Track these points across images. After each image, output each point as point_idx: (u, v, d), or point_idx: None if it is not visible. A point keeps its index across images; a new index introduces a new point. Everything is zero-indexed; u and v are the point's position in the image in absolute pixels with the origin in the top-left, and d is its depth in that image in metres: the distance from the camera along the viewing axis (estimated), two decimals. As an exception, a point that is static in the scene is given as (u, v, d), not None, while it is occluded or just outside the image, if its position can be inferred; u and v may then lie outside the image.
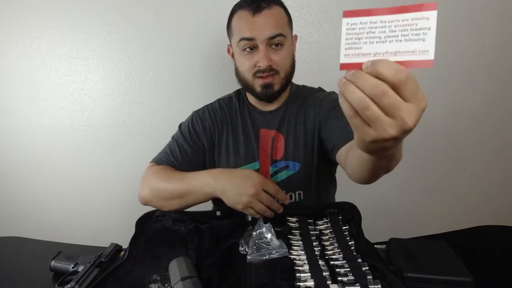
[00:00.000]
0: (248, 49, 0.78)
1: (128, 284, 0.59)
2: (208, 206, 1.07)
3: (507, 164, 1.35)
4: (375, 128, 0.34)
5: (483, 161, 1.34)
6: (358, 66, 0.35)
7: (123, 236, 0.76)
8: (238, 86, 0.96)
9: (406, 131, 0.34)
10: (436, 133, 1.30)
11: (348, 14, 0.37)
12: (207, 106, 0.94)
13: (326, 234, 0.67)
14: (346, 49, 0.37)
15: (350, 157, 0.63)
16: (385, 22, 0.35)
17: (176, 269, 0.58)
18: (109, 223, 1.45)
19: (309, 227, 0.69)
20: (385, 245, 0.73)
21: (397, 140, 0.35)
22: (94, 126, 1.32)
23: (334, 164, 0.88)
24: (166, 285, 0.57)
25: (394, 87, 0.33)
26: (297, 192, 0.87)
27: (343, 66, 0.37)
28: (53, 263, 0.71)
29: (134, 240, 0.69)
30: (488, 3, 1.15)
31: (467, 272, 0.60)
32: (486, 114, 1.28)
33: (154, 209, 0.78)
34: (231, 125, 0.90)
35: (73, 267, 0.69)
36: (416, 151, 1.33)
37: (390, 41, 0.35)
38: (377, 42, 0.36)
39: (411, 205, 1.40)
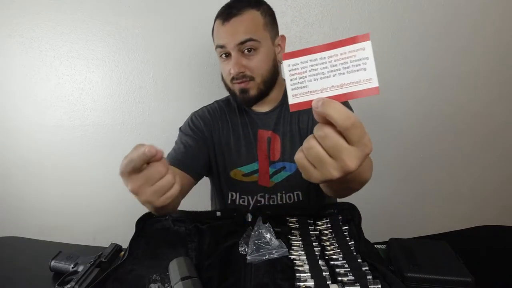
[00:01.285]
0: (224, 56, 0.80)
1: (128, 284, 0.59)
2: (208, 206, 1.07)
3: (507, 164, 1.35)
4: (319, 169, 0.36)
5: (483, 161, 1.34)
6: (308, 105, 0.37)
7: (123, 236, 0.76)
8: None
9: (348, 173, 0.36)
10: (436, 133, 1.30)
11: (288, 56, 0.38)
12: (205, 106, 0.95)
13: (326, 235, 0.67)
14: (292, 89, 0.38)
15: None
16: (324, 58, 0.37)
17: (176, 269, 0.58)
18: (109, 223, 1.45)
19: (309, 227, 0.69)
20: (385, 245, 0.73)
21: (341, 179, 0.37)
22: (94, 126, 1.32)
23: None
24: (166, 285, 0.57)
25: (342, 132, 0.34)
26: (295, 193, 0.87)
27: (293, 107, 0.38)
28: (53, 263, 0.71)
29: (134, 240, 0.69)
30: (490, 3, 1.15)
31: (467, 272, 0.60)
32: (486, 114, 1.28)
33: (154, 209, 0.78)
34: (231, 124, 0.90)
35: (73, 267, 0.69)
36: (416, 151, 1.33)
37: (333, 75, 0.37)
38: (321, 78, 0.37)
39: (411, 205, 1.40)
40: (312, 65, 0.37)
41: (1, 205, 1.46)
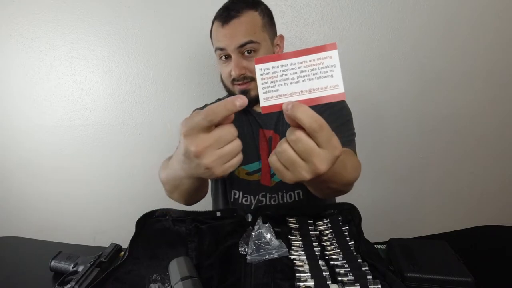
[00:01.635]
0: (223, 58, 0.80)
1: (128, 284, 0.59)
2: (208, 206, 1.07)
3: (507, 164, 1.35)
4: (291, 171, 0.38)
5: (483, 161, 1.34)
6: (278, 107, 0.39)
7: (123, 236, 0.76)
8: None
9: (318, 175, 0.37)
10: (436, 133, 1.30)
11: (259, 60, 0.40)
12: (209, 104, 0.94)
13: (326, 235, 0.67)
14: (264, 93, 0.40)
15: None
16: (294, 64, 0.39)
17: (176, 269, 0.58)
18: (109, 223, 1.45)
19: (309, 227, 0.69)
20: (385, 245, 0.73)
21: (314, 180, 0.39)
22: (94, 126, 1.32)
23: None
24: (166, 285, 0.57)
25: (310, 134, 0.36)
26: (296, 191, 0.87)
27: (265, 109, 0.40)
28: (53, 263, 0.71)
29: (134, 240, 0.69)
30: (489, 3, 1.15)
31: (467, 272, 0.60)
32: (486, 114, 1.28)
33: (154, 209, 0.78)
34: (236, 122, 0.89)
35: (73, 267, 0.69)
36: (416, 151, 1.33)
37: (303, 81, 0.39)
38: (291, 83, 0.39)
39: (411, 205, 1.40)
40: (282, 70, 0.39)
41: (1, 205, 1.46)
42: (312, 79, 0.39)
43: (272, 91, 0.40)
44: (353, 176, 0.62)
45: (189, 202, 0.72)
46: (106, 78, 1.27)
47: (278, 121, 0.88)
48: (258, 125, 0.89)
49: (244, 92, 0.81)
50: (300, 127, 0.36)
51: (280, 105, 0.39)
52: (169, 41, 1.21)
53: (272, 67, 0.39)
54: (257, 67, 0.40)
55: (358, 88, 1.24)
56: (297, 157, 0.37)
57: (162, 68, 1.25)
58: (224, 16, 0.78)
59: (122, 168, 1.37)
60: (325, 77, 0.38)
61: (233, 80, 0.80)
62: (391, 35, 1.18)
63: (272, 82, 0.40)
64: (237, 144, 0.43)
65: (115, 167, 1.38)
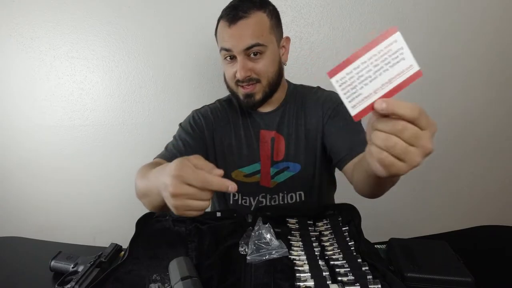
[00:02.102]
0: (228, 58, 0.78)
1: (128, 284, 0.59)
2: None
3: (507, 164, 1.35)
4: (406, 160, 0.38)
5: (483, 161, 1.35)
6: (369, 109, 0.39)
7: (123, 236, 0.76)
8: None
9: (428, 154, 0.39)
10: (436, 133, 1.30)
11: (333, 73, 0.39)
12: (208, 105, 0.94)
13: (326, 235, 0.67)
14: (349, 101, 0.40)
15: (357, 173, 0.66)
16: (365, 61, 0.39)
17: (176, 269, 0.58)
18: (109, 223, 1.45)
19: (309, 228, 0.69)
20: (385, 245, 0.73)
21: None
22: (94, 126, 1.32)
23: (334, 166, 0.89)
24: (166, 285, 0.57)
25: (412, 121, 0.37)
26: (297, 193, 0.87)
27: (357, 117, 0.40)
28: (53, 263, 0.71)
29: (134, 240, 0.69)
30: (490, 4, 1.15)
31: (467, 272, 0.60)
32: (486, 114, 1.28)
33: (154, 210, 0.78)
34: (233, 125, 0.89)
35: (73, 267, 0.69)
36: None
37: (380, 74, 0.39)
38: (370, 81, 0.39)
39: (411, 205, 1.40)
40: (357, 73, 0.39)
41: (1, 205, 1.46)
42: (387, 69, 0.38)
43: (356, 96, 0.39)
44: None
45: (155, 211, 0.71)
46: (106, 78, 1.27)
47: (281, 122, 0.87)
48: (258, 126, 0.88)
49: (249, 96, 0.79)
50: (393, 118, 0.38)
51: (370, 106, 0.38)
52: (169, 41, 1.21)
53: (347, 74, 0.39)
54: (333, 80, 0.39)
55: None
56: (408, 145, 0.38)
57: (162, 68, 1.25)
58: (232, 16, 0.75)
59: (122, 168, 1.37)
60: (398, 62, 0.38)
61: (237, 81, 0.78)
62: (391, 35, 1.18)
63: (352, 88, 0.39)
64: (205, 204, 0.49)
65: (115, 167, 1.38)
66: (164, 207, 0.58)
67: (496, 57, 1.21)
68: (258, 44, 0.75)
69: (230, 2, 0.79)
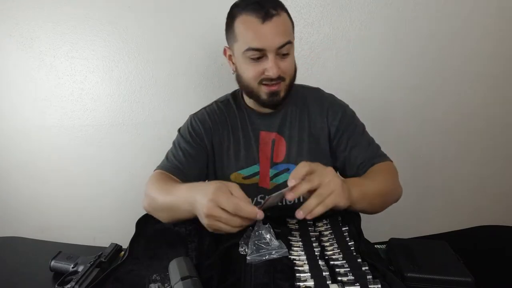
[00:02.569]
0: (255, 57, 0.74)
1: (128, 284, 0.59)
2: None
3: (507, 164, 1.35)
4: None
5: (484, 161, 1.34)
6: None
7: (123, 236, 0.76)
8: (237, 87, 0.96)
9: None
10: (436, 133, 1.30)
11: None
12: (205, 108, 0.92)
13: (326, 235, 0.67)
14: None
15: None
16: None
17: (176, 269, 0.58)
18: (109, 223, 1.45)
19: (309, 228, 0.69)
20: (385, 245, 0.73)
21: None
22: (94, 126, 1.32)
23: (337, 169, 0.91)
24: (166, 285, 0.57)
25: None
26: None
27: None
28: (53, 263, 0.71)
29: (134, 240, 0.69)
30: (489, 4, 1.15)
31: (467, 272, 0.60)
32: (486, 114, 1.28)
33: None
34: (231, 127, 0.88)
35: (73, 267, 0.69)
36: (417, 151, 1.33)
37: None
38: None
39: (411, 205, 1.40)
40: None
41: (1, 205, 1.46)
42: None
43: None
44: (391, 196, 0.80)
45: (172, 223, 0.73)
46: (106, 78, 1.26)
47: (283, 123, 0.86)
48: (258, 127, 0.87)
49: (274, 94, 0.78)
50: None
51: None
52: (169, 41, 1.21)
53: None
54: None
55: (358, 88, 1.23)
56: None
57: (162, 68, 1.24)
58: (264, 12, 0.71)
59: (122, 168, 1.37)
60: None
61: (263, 80, 0.76)
62: (391, 35, 1.18)
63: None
64: (234, 230, 0.57)
65: (115, 167, 1.37)
66: (183, 220, 0.69)
67: (498, 57, 1.21)
68: (289, 42, 0.74)
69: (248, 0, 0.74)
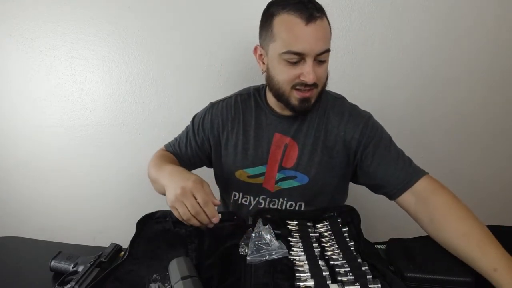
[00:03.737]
0: (293, 61, 0.71)
1: (128, 284, 0.59)
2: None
3: (507, 164, 1.35)
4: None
5: (483, 161, 1.35)
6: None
7: (123, 236, 0.76)
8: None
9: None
10: (436, 133, 1.30)
11: None
12: (223, 100, 0.91)
13: (326, 236, 0.67)
14: None
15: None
16: None
17: (176, 268, 0.58)
18: (109, 223, 1.45)
19: (309, 230, 0.69)
20: (385, 245, 0.73)
21: None
22: (94, 126, 1.32)
23: (347, 182, 0.91)
24: (166, 284, 0.57)
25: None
26: (298, 203, 0.85)
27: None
28: (53, 263, 0.71)
29: (134, 241, 0.69)
30: (488, 4, 1.15)
31: (467, 272, 0.60)
32: (486, 114, 1.28)
33: (155, 211, 0.78)
34: (243, 124, 0.87)
35: (73, 267, 0.69)
36: (416, 151, 1.32)
37: None
38: None
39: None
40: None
41: (2, 205, 1.46)
42: None
43: None
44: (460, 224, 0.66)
45: (161, 193, 0.80)
46: (106, 78, 1.26)
47: (299, 130, 0.83)
48: (273, 129, 0.84)
49: (306, 100, 0.75)
50: None
51: None
52: (169, 41, 1.21)
53: None
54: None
55: (358, 88, 1.23)
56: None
57: (162, 68, 1.25)
58: (308, 13, 0.67)
59: (122, 168, 1.37)
60: None
61: (297, 84, 0.73)
62: (391, 35, 1.18)
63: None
64: (188, 217, 0.64)
65: (115, 167, 1.38)
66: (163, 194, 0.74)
67: (498, 57, 1.21)
68: (328, 50, 0.72)
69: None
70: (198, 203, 0.63)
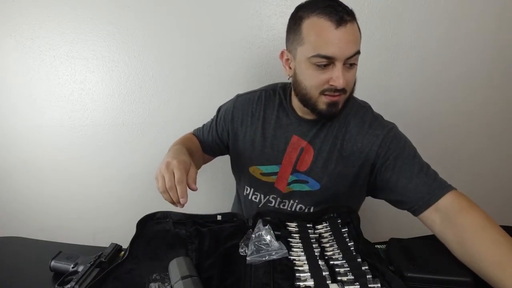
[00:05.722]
0: (323, 65, 0.68)
1: (128, 283, 0.59)
2: (207, 209, 1.07)
3: (507, 164, 1.35)
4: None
5: (483, 161, 1.34)
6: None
7: (123, 236, 0.76)
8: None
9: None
10: (436, 133, 1.30)
11: None
12: (250, 93, 0.91)
13: (326, 237, 0.67)
14: None
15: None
16: None
17: (176, 268, 0.58)
18: (109, 223, 1.45)
19: (309, 230, 0.69)
20: (385, 245, 0.73)
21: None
22: (94, 126, 1.32)
23: (363, 192, 0.87)
24: (166, 284, 0.57)
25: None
26: (307, 206, 0.85)
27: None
28: (53, 263, 0.71)
29: (134, 241, 0.69)
30: (489, 4, 1.15)
31: (467, 272, 0.60)
32: (486, 114, 1.28)
33: (155, 211, 0.78)
34: (262, 121, 0.86)
35: (73, 267, 0.69)
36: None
37: None
38: None
39: (411, 205, 1.40)
40: None
41: (2, 205, 1.46)
42: None
43: None
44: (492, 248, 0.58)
45: None
46: (106, 78, 1.26)
47: (317, 135, 0.81)
48: (292, 130, 0.83)
49: (333, 105, 0.73)
50: None
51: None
52: (169, 40, 1.21)
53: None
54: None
55: (358, 88, 1.23)
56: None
57: (162, 68, 1.24)
58: (338, 17, 0.65)
59: (122, 168, 1.37)
60: None
61: (326, 89, 0.71)
62: (391, 35, 1.18)
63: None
64: (161, 186, 0.67)
65: (115, 167, 1.37)
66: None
67: (498, 56, 1.21)
68: (358, 52, 0.69)
69: (320, 2, 0.68)
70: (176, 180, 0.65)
